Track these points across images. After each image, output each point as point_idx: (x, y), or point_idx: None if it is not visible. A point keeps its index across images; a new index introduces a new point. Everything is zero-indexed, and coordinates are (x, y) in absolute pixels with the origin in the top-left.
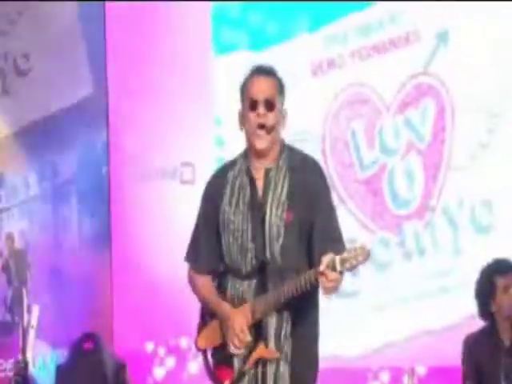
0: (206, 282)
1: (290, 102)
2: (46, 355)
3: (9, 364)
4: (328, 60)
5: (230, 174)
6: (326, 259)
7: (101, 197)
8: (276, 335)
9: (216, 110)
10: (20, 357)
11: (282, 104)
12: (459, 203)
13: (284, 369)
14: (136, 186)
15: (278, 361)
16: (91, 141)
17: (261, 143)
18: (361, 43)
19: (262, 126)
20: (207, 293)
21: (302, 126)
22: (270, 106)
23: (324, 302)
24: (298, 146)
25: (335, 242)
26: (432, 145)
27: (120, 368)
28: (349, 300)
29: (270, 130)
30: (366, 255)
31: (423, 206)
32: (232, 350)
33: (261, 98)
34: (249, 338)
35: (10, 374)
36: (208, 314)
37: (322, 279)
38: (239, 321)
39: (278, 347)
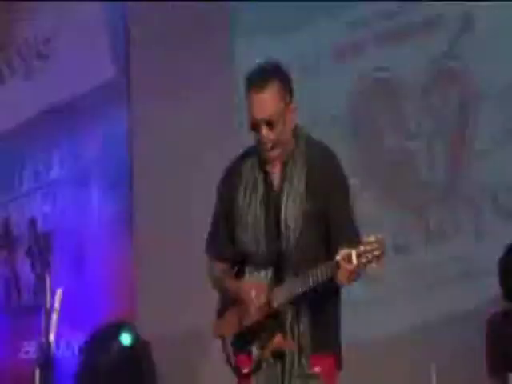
0: (223, 268)
1: (314, 87)
2: (69, 338)
3: (32, 346)
4: (351, 44)
5: (245, 166)
6: (343, 251)
7: (123, 180)
8: (293, 329)
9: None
10: (43, 339)
11: (290, 99)
12: (482, 188)
13: (303, 363)
14: (158, 168)
15: (299, 354)
16: (113, 124)
17: (270, 156)
18: (384, 27)
19: (265, 145)
20: (225, 276)
21: (326, 110)
22: (270, 124)
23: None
24: (321, 129)
25: (351, 234)
26: (455, 130)
27: (145, 348)
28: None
29: (275, 144)
30: (382, 249)
31: (446, 191)
32: (246, 321)
33: (260, 120)
34: (264, 299)
35: (34, 356)
36: (227, 302)
37: (337, 271)
38: (256, 292)
39: (296, 341)
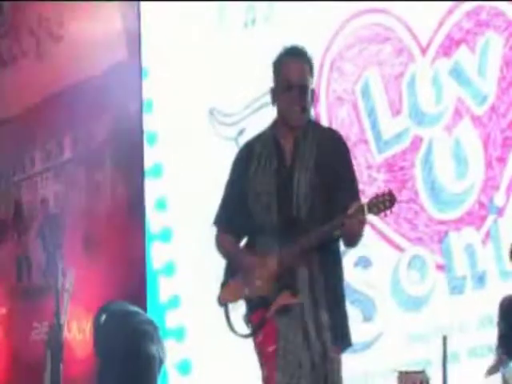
0: (230, 239)
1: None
2: (80, 319)
3: (44, 327)
4: None
5: (259, 140)
6: (355, 205)
7: (134, 161)
8: (311, 288)
9: None
10: (54, 320)
11: (312, 84)
12: None
13: (325, 317)
14: (170, 149)
15: (316, 310)
16: (125, 105)
17: (296, 121)
18: None
19: (297, 107)
20: (232, 247)
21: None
22: (304, 90)
23: None
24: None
25: (358, 196)
26: (497, 107)
27: (154, 330)
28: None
29: (304, 110)
30: (394, 200)
31: (482, 207)
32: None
33: (296, 83)
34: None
35: (45, 336)
36: (231, 271)
37: (348, 223)
38: (263, 269)
39: (314, 299)
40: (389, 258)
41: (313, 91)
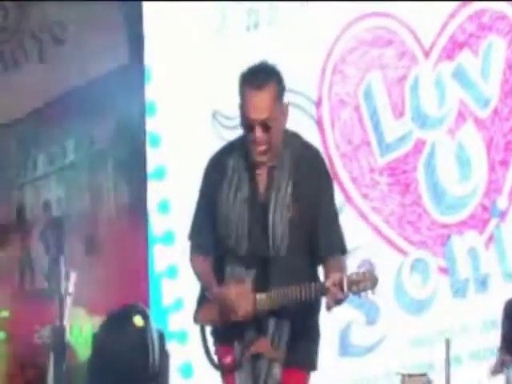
0: (205, 267)
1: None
2: (83, 322)
3: (46, 330)
4: None
5: (230, 164)
6: (334, 277)
7: (138, 164)
8: (274, 340)
9: None
10: (57, 324)
11: (282, 103)
12: None
13: (276, 372)
14: (174, 152)
15: (271, 363)
16: (128, 109)
17: (260, 158)
18: None
19: (259, 147)
20: (206, 278)
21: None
22: (266, 127)
23: None
24: None
25: (337, 242)
26: (500, 110)
27: (159, 336)
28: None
29: (268, 148)
30: (374, 282)
31: (485, 210)
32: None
33: (257, 121)
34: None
35: (48, 339)
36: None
37: (327, 295)
38: (239, 303)
39: (276, 350)
40: (392, 261)
41: (285, 108)
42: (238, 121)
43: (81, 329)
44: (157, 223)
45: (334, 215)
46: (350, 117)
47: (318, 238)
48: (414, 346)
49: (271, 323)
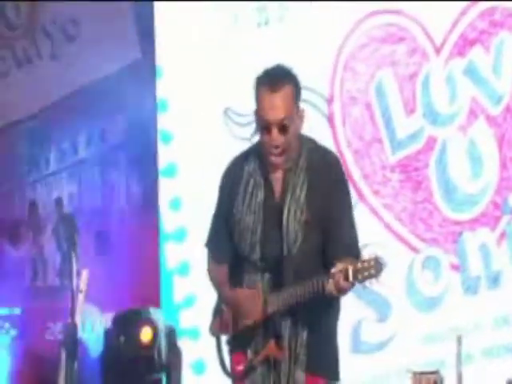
0: (220, 273)
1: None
2: (95, 319)
3: (58, 327)
4: None
5: (246, 170)
6: (340, 265)
7: (149, 161)
8: (290, 342)
9: None
10: (69, 320)
11: (299, 106)
12: None
13: (298, 376)
14: (185, 149)
15: (293, 367)
16: (140, 105)
17: (277, 160)
18: None
19: (276, 150)
20: (221, 283)
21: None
22: (284, 128)
23: None
24: None
25: (349, 247)
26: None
27: (170, 332)
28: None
29: (284, 150)
30: (379, 269)
31: (496, 207)
32: (241, 325)
33: (274, 121)
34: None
35: (60, 337)
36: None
37: (331, 284)
38: (250, 305)
39: (294, 354)
40: (403, 258)
41: (301, 113)
42: (249, 118)
43: (93, 326)
44: (168, 220)
45: (348, 220)
46: (361, 114)
47: (331, 241)
48: (426, 343)
49: (286, 325)
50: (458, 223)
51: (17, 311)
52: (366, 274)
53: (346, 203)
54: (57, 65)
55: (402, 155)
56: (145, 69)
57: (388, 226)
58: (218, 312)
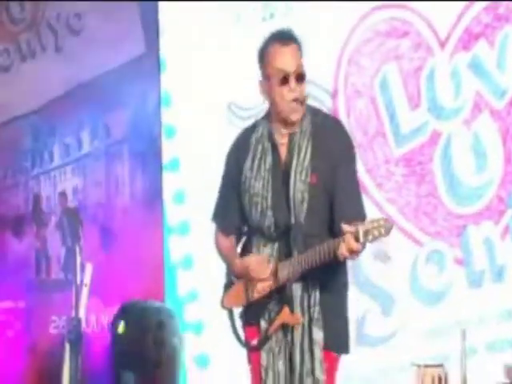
0: (229, 244)
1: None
2: (99, 313)
3: (62, 321)
4: None
5: (253, 138)
6: (350, 227)
7: (153, 155)
8: (302, 303)
9: None
10: (73, 314)
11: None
12: None
13: (318, 335)
14: (189, 143)
15: (309, 327)
16: (143, 100)
17: (296, 115)
18: None
19: (296, 99)
20: (230, 254)
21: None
22: (300, 78)
23: None
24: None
25: (356, 210)
26: None
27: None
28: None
29: (303, 101)
30: (389, 228)
31: (501, 201)
32: (253, 295)
33: (291, 72)
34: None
35: (64, 331)
36: (232, 274)
37: (342, 246)
38: (261, 269)
39: (308, 314)
40: (407, 252)
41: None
42: (253, 112)
43: (97, 319)
44: (172, 214)
45: (353, 182)
46: (365, 108)
47: (337, 203)
48: (430, 337)
49: (297, 289)
50: (462, 217)
51: (21, 305)
52: (376, 233)
53: (351, 167)
54: (61, 59)
55: (407, 149)
56: (149, 63)
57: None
58: (228, 286)
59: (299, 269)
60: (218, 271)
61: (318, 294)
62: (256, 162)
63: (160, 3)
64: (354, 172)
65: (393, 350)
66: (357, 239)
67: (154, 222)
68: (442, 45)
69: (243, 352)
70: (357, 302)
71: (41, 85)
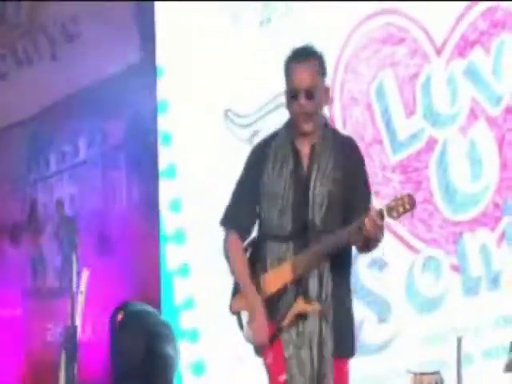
0: (242, 256)
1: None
2: (95, 321)
3: (58, 329)
4: None
5: (273, 144)
6: (374, 209)
7: (149, 163)
8: (317, 296)
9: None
10: (69, 322)
11: (324, 82)
12: None
13: (326, 331)
14: (185, 150)
15: (320, 324)
16: (140, 107)
17: (306, 127)
18: None
19: (304, 113)
20: (244, 271)
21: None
22: (310, 95)
23: None
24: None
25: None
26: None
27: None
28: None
29: (311, 115)
30: (413, 203)
31: (497, 208)
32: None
33: (301, 88)
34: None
35: (60, 338)
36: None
37: (366, 222)
38: (261, 316)
39: (321, 310)
40: (403, 259)
41: (326, 90)
42: (250, 119)
43: (93, 327)
44: (168, 222)
45: (368, 192)
46: (361, 114)
47: (352, 208)
48: (426, 343)
49: (313, 281)
50: (458, 224)
51: (17, 312)
52: (401, 209)
53: (366, 182)
54: (57, 65)
55: (403, 156)
56: (145, 70)
57: (388, 227)
58: (237, 291)
59: (317, 258)
60: (213, 279)
61: (330, 288)
62: (277, 165)
63: (156, 10)
64: (367, 184)
65: (389, 357)
66: (381, 216)
67: (150, 229)
68: (439, 52)
69: (239, 360)
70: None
71: (37, 91)
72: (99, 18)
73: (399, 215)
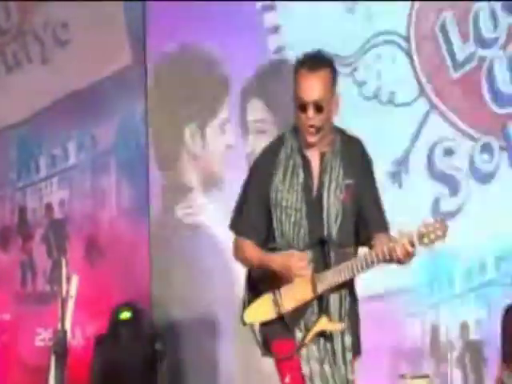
0: (255, 248)
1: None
2: (85, 325)
3: (48, 333)
4: None
5: (283, 152)
6: (405, 234)
7: (139, 167)
8: (338, 313)
9: None
10: (59, 326)
11: (335, 91)
12: None
13: (349, 341)
14: (175, 157)
15: (343, 334)
16: (130, 111)
17: (313, 140)
18: None
19: (311, 126)
20: (262, 255)
21: (383, 26)
22: (319, 108)
23: None
24: (379, 48)
25: (383, 222)
26: None
27: (156, 338)
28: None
29: (319, 129)
30: (445, 230)
31: None
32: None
33: (309, 101)
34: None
35: (50, 343)
36: (258, 284)
37: (397, 249)
38: (302, 266)
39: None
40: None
41: (337, 99)
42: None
43: (82, 331)
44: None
45: (378, 196)
46: (430, 46)
47: (367, 215)
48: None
49: (333, 299)
50: (503, 117)
51: (6, 317)
52: (433, 236)
53: (374, 182)
54: (47, 69)
55: (462, 73)
56: (135, 74)
57: (454, 124)
58: (248, 301)
59: (339, 279)
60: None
61: (347, 304)
62: (288, 175)
63: (147, 14)
64: (376, 186)
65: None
66: (412, 244)
67: (140, 234)
68: None
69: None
70: None
71: (27, 96)
72: (89, 22)
73: (430, 242)
